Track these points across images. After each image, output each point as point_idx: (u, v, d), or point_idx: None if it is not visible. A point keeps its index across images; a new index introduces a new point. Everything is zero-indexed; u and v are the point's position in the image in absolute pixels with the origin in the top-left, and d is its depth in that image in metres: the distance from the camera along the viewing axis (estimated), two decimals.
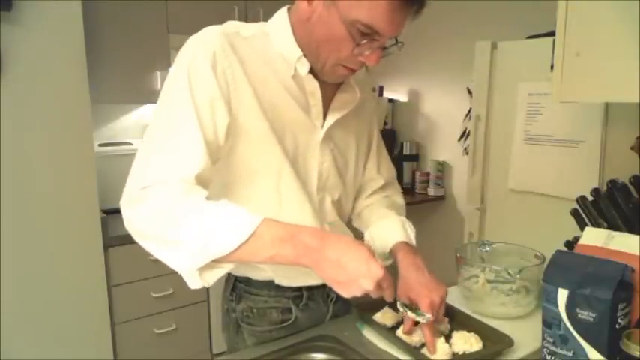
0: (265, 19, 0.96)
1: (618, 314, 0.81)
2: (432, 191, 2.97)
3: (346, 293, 0.77)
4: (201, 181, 0.81)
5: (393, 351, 0.98)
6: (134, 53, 2.26)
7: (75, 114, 1.80)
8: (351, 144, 1.07)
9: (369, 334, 1.05)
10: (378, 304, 1.12)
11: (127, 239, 2.02)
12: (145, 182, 0.77)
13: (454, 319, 1.07)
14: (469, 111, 2.41)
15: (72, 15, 1.74)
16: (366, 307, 1.12)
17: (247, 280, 1.03)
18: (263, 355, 0.95)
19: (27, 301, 1.77)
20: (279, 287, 1.02)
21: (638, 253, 0.88)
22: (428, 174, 3.00)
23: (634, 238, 0.91)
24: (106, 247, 1.97)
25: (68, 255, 1.84)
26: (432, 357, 0.93)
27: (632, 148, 1.13)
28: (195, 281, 0.77)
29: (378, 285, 0.75)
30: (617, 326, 0.81)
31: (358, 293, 0.76)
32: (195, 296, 2.27)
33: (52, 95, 1.74)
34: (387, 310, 1.10)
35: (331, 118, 0.98)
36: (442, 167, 2.97)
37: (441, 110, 3.00)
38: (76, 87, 1.79)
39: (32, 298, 1.78)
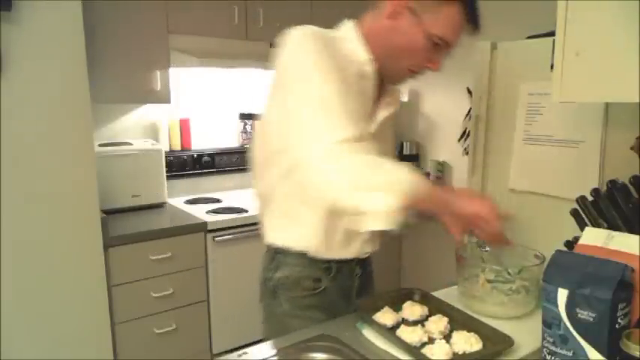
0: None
1: (618, 314, 0.81)
2: None
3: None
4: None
5: (393, 351, 0.98)
6: (134, 53, 2.26)
7: (75, 114, 1.80)
8: (389, 142, 1.28)
9: (369, 334, 1.05)
10: (378, 304, 1.12)
11: (127, 239, 2.06)
12: (336, 138, 0.93)
13: (454, 319, 1.07)
14: (469, 111, 2.41)
15: (72, 15, 1.74)
16: (366, 307, 1.12)
17: (285, 253, 1.17)
18: (265, 357, 0.95)
19: (27, 301, 1.77)
20: (312, 260, 1.16)
21: (638, 253, 0.88)
22: (428, 174, 3.01)
23: (634, 238, 0.91)
24: (106, 247, 1.97)
25: (68, 255, 1.84)
26: (432, 357, 0.93)
27: (632, 148, 1.13)
28: (389, 221, 0.93)
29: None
30: (617, 326, 0.81)
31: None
32: (195, 296, 2.27)
33: (52, 95, 1.74)
34: (387, 310, 1.10)
35: (381, 115, 1.16)
36: (442, 167, 2.98)
37: (441, 110, 3.00)
38: (76, 87, 1.79)
39: (32, 298, 1.78)
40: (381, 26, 1.07)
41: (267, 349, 0.99)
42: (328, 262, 1.18)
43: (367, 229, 0.96)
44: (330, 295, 1.19)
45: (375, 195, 0.93)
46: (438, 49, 1.06)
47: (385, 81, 1.15)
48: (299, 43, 1.02)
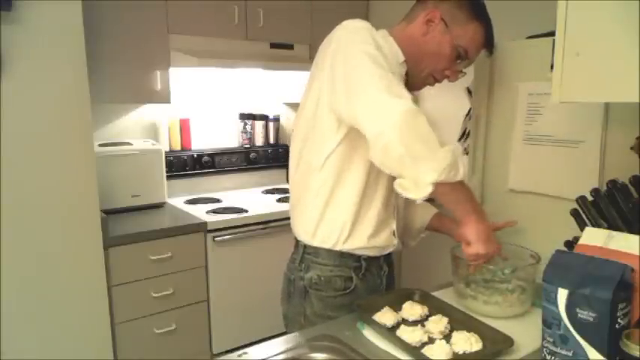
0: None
1: (618, 314, 0.81)
2: None
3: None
4: None
5: (393, 351, 0.99)
6: (134, 53, 2.26)
7: (75, 114, 1.80)
8: None
9: (369, 334, 1.05)
10: (378, 304, 1.12)
11: (127, 239, 2.06)
12: (404, 107, 0.97)
13: (454, 319, 1.07)
14: (469, 111, 2.41)
15: (72, 15, 1.74)
16: (366, 307, 1.12)
17: (315, 252, 1.21)
18: (265, 357, 0.95)
19: (27, 301, 1.77)
20: (342, 258, 1.20)
21: (638, 253, 0.88)
22: None
23: (634, 238, 0.92)
24: (106, 247, 1.97)
25: (68, 255, 1.84)
26: (432, 357, 0.93)
27: (632, 148, 1.13)
28: (426, 190, 0.95)
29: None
30: (617, 326, 0.81)
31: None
32: (195, 296, 2.27)
33: (52, 95, 1.74)
34: (387, 310, 1.10)
35: None
36: None
37: (441, 110, 2.99)
38: (76, 87, 1.79)
39: (32, 297, 1.78)
40: (413, 33, 1.18)
41: (267, 349, 0.99)
42: (358, 260, 1.21)
43: (399, 189, 0.98)
44: (361, 294, 1.22)
45: (427, 164, 0.95)
46: (459, 60, 1.19)
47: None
48: (355, 33, 1.09)
